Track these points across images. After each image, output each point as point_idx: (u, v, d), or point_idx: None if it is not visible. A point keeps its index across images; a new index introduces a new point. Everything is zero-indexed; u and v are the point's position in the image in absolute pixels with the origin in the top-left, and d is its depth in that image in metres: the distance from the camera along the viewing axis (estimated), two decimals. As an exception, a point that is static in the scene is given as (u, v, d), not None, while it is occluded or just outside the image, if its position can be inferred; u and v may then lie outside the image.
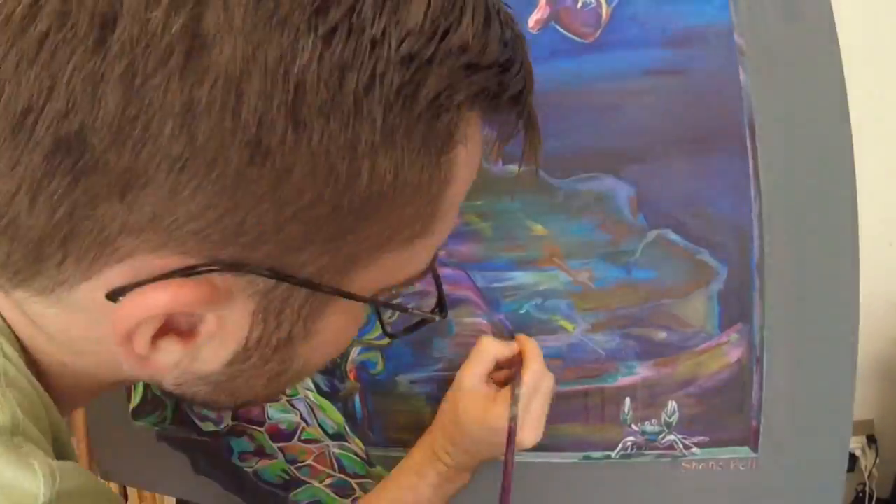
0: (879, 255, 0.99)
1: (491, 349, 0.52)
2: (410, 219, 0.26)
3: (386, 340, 0.59)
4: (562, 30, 0.52)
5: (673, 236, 0.52)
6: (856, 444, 1.03)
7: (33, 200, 0.22)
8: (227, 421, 0.67)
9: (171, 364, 0.27)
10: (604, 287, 0.54)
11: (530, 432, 0.49)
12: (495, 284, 0.56)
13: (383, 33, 0.21)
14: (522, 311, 0.55)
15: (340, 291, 0.27)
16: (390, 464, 0.61)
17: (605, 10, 0.51)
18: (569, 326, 0.55)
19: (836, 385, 0.51)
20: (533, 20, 0.52)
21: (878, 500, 1.04)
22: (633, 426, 0.54)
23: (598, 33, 0.51)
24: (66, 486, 0.24)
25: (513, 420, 0.48)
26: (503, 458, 0.47)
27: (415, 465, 0.53)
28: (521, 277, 0.55)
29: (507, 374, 0.53)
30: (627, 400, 0.54)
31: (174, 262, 0.23)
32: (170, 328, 0.26)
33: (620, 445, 0.55)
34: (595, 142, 0.52)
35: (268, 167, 0.22)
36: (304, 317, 0.27)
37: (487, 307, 0.56)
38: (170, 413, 0.70)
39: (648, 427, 0.54)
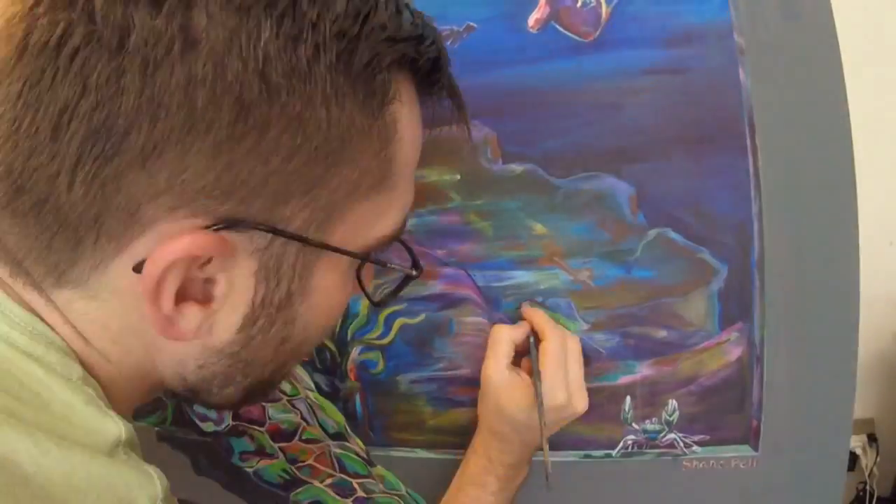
0: (879, 254, 0.99)
1: (505, 336, 0.52)
2: (367, 168, 0.32)
3: (387, 340, 0.59)
4: (561, 29, 0.52)
5: (673, 235, 0.52)
6: (856, 442, 1.02)
7: (71, 182, 0.27)
8: (228, 421, 0.67)
9: (193, 328, 0.31)
10: (604, 286, 0.54)
11: (579, 400, 0.50)
12: (495, 284, 0.56)
13: (318, 16, 0.28)
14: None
15: (325, 244, 0.32)
16: (391, 464, 0.61)
17: (604, 10, 0.51)
18: (569, 325, 0.55)
19: (837, 384, 0.51)
20: (532, 19, 0.52)
21: (878, 498, 1.03)
22: (633, 425, 0.54)
23: (597, 32, 0.51)
24: (165, 483, 0.31)
25: (536, 384, 0.48)
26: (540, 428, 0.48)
27: (471, 477, 0.53)
28: (522, 276, 0.55)
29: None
30: (628, 398, 0.54)
31: (186, 225, 0.29)
32: (188, 295, 0.31)
33: (621, 444, 0.55)
34: (595, 141, 0.52)
35: (250, 123, 0.27)
36: (299, 272, 0.33)
37: (488, 306, 0.56)
38: (170, 413, 0.70)
39: (649, 425, 0.54)
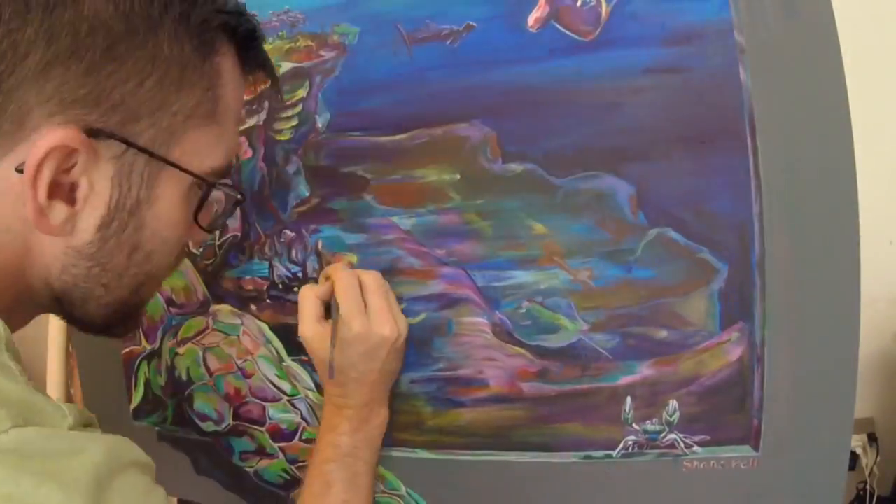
0: (880, 253, 0.98)
1: (310, 294, 0.56)
2: (200, 100, 0.41)
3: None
4: (561, 28, 0.52)
5: (673, 235, 0.52)
6: (857, 442, 1.02)
7: None
8: (228, 421, 0.67)
9: (60, 223, 0.39)
10: (604, 286, 0.53)
11: (381, 325, 0.53)
12: (495, 284, 0.56)
13: None
14: (522, 311, 0.55)
15: (166, 159, 0.40)
16: (391, 464, 0.61)
17: (604, 9, 0.51)
18: (569, 326, 0.54)
19: (838, 383, 0.51)
20: (532, 18, 0.52)
21: (878, 498, 1.03)
22: (634, 425, 0.54)
23: (597, 31, 0.51)
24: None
25: (333, 324, 0.53)
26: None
27: (325, 423, 0.56)
28: (521, 276, 0.55)
29: None
30: (628, 399, 0.54)
31: (60, 130, 0.36)
32: (57, 195, 0.38)
33: (621, 445, 0.55)
34: (595, 140, 0.52)
35: (116, 52, 0.37)
36: (146, 180, 0.40)
37: (487, 306, 0.56)
38: (170, 413, 0.70)
39: (649, 426, 0.54)
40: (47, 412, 0.34)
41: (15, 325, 0.41)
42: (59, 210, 0.38)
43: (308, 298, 0.56)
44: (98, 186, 0.39)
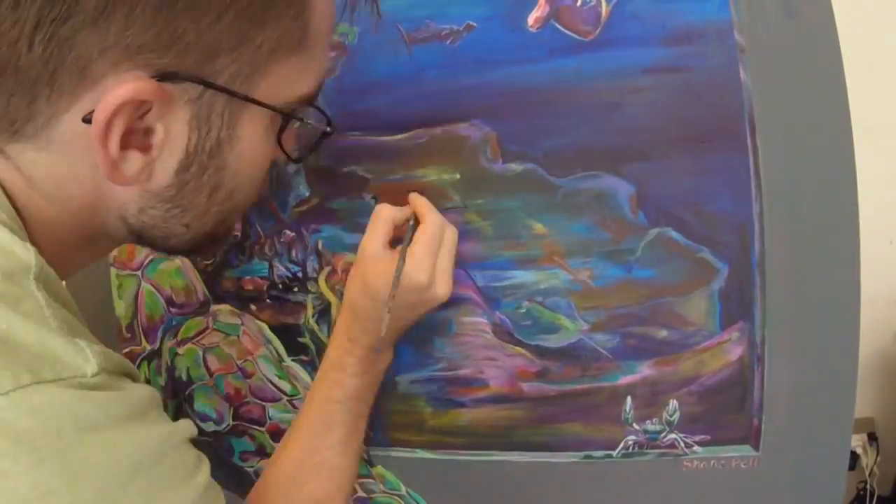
0: (880, 252, 0.98)
1: (386, 213, 0.52)
2: (287, 30, 0.36)
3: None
4: (561, 28, 0.52)
5: (673, 234, 0.52)
6: (857, 441, 1.02)
7: (31, 44, 0.31)
8: (228, 420, 0.67)
9: (135, 173, 0.35)
10: (604, 286, 0.54)
11: (442, 286, 0.50)
12: (495, 283, 0.56)
13: None
14: (522, 310, 0.55)
15: (249, 97, 0.36)
16: (391, 464, 0.61)
17: (604, 8, 0.51)
18: (569, 325, 0.55)
19: (838, 383, 0.51)
20: (532, 18, 0.52)
21: (879, 497, 1.03)
22: (634, 425, 0.54)
23: (597, 31, 0.51)
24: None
25: (400, 260, 0.48)
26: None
27: (332, 361, 0.53)
28: (522, 276, 0.55)
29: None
30: (628, 399, 0.54)
31: (129, 77, 0.32)
32: (131, 144, 0.34)
33: (622, 444, 0.55)
34: (595, 140, 0.52)
35: None
36: (227, 121, 0.36)
37: (487, 306, 0.56)
38: (171, 413, 0.70)
39: (650, 426, 0.54)
40: (65, 360, 0.30)
41: (94, 256, 0.41)
42: (134, 159, 0.35)
43: (382, 219, 0.52)
44: (174, 131, 0.35)
